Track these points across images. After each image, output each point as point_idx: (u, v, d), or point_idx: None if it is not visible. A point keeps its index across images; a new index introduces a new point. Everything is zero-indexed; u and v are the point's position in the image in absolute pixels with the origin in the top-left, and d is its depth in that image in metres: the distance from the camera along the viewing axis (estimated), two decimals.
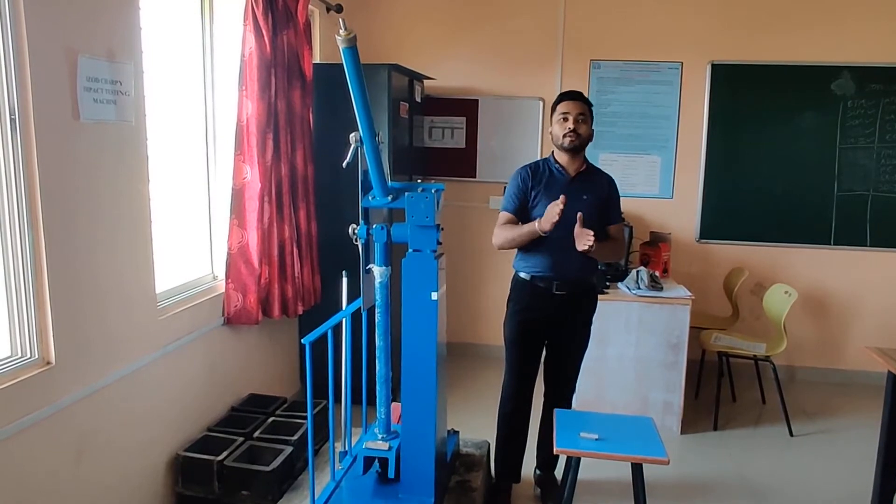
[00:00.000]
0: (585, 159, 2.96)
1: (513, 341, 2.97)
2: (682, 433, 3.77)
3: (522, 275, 2.94)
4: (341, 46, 2.06)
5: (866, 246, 4.50)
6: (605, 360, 3.78)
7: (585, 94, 2.94)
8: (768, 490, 3.24)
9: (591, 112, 2.89)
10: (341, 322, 2.50)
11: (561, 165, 2.91)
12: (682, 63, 4.55)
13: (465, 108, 4.81)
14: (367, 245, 2.53)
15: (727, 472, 3.41)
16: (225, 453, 2.74)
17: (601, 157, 4.71)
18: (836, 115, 4.41)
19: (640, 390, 3.78)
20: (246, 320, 3.24)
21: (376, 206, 2.49)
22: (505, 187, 3.03)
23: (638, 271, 3.89)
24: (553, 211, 2.59)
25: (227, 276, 3.19)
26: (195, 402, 2.98)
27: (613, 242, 2.98)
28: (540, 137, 4.76)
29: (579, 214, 2.62)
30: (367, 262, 2.57)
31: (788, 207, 4.55)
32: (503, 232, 2.89)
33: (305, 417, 3.08)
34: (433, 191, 2.45)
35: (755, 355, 3.96)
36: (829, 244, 4.54)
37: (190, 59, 3.10)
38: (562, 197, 2.58)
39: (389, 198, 2.47)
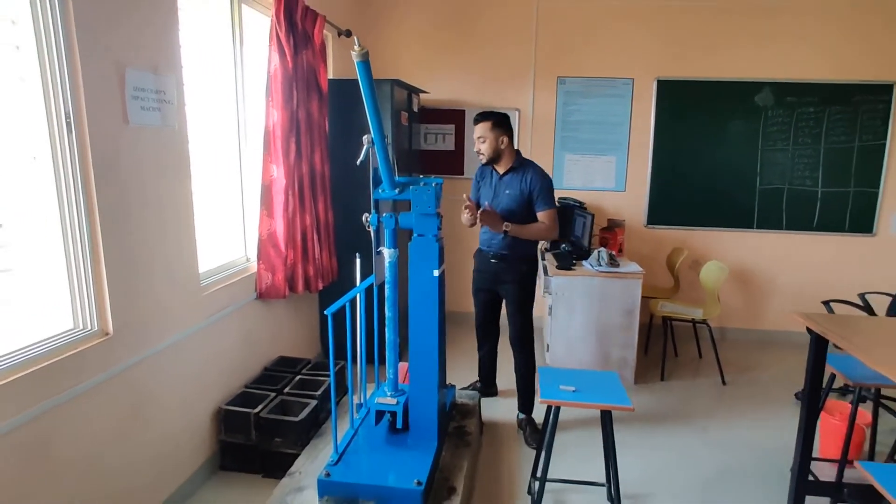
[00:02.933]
0: (515, 158, 2.99)
1: (472, 292, 3.27)
2: (635, 383, 3.70)
3: (479, 246, 3.17)
4: (356, 60, 1.92)
5: (782, 229, 4.44)
6: (573, 326, 3.69)
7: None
8: (708, 426, 3.19)
9: (493, 126, 2.89)
10: (356, 296, 2.37)
11: (495, 168, 3.01)
12: (633, 79, 4.43)
13: (454, 117, 4.66)
14: (377, 231, 2.41)
15: (674, 413, 3.36)
16: (260, 406, 2.62)
17: (567, 157, 4.61)
18: (759, 122, 4.32)
19: (602, 349, 3.71)
20: (275, 295, 3.11)
21: (385, 197, 2.36)
22: None
23: (599, 251, 3.80)
24: (463, 216, 2.89)
25: (259, 258, 3.05)
26: (234, 364, 2.85)
27: (535, 226, 2.95)
28: (517, 142, 4.63)
29: (485, 203, 2.98)
30: (378, 245, 2.45)
31: (720, 198, 4.47)
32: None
33: (328, 376, 2.97)
34: (433, 184, 2.33)
35: (693, 319, 3.89)
36: (753, 228, 4.47)
37: (224, 73, 2.93)
38: (469, 201, 2.91)
39: (397, 190, 2.34)
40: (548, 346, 3.79)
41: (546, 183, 2.95)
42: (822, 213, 4.36)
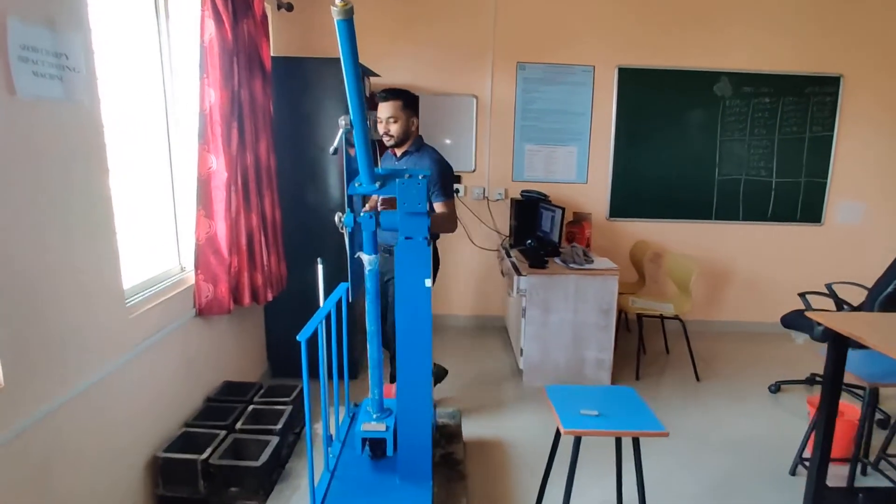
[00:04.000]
0: (415, 141, 2.74)
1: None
2: (610, 384, 3.49)
3: None
4: (337, 18, 1.50)
5: (739, 220, 4.40)
6: (549, 326, 3.42)
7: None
8: (686, 427, 3.01)
9: (405, 106, 2.64)
10: (324, 305, 1.93)
11: (393, 151, 2.79)
12: (594, 67, 4.20)
13: (413, 106, 4.22)
14: (352, 234, 1.98)
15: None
16: (208, 450, 2.11)
17: (528, 147, 4.31)
18: (717, 113, 4.23)
19: (578, 350, 3.46)
20: (217, 310, 2.58)
21: (363, 192, 1.93)
22: None
23: (573, 247, 3.54)
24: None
25: (197, 267, 2.51)
26: (170, 397, 2.31)
27: (434, 216, 2.61)
28: (475, 131, 4.29)
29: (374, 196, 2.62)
30: (353, 250, 2.02)
31: (680, 189, 4.36)
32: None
33: (285, 403, 2.50)
34: (420, 176, 1.93)
35: (661, 314, 3.73)
36: (712, 219, 4.40)
37: (145, 42, 2.36)
38: (374, 198, 2.63)
39: (377, 184, 1.92)
40: (521, 350, 3.49)
41: (445, 171, 2.72)
42: (776, 204, 4.36)
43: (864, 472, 2.62)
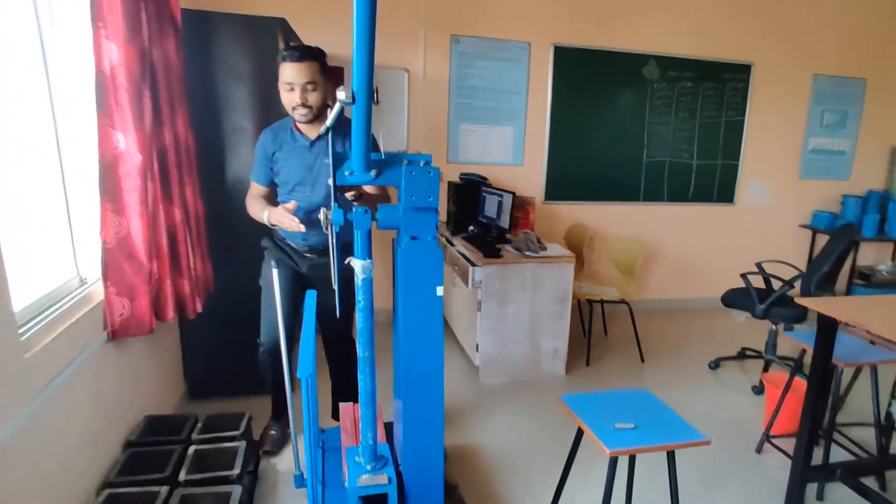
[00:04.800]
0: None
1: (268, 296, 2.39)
2: (565, 374, 3.42)
3: (279, 238, 2.35)
4: None
5: (664, 201, 4.53)
6: (506, 318, 3.24)
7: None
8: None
9: (323, 72, 2.07)
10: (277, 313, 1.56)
11: (300, 131, 2.13)
12: (530, 43, 4.04)
13: (332, 75, 3.75)
14: (340, 233, 1.60)
15: None
16: None
17: (462, 127, 4.06)
18: (646, 95, 4.29)
19: (534, 341, 3.32)
20: (136, 330, 2.04)
21: (355, 183, 1.56)
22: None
23: (526, 234, 3.38)
24: (284, 220, 1.96)
25: (106, 278, 1.95)
26: (84, 453, 1.77)
27: (371, 196, 2.15)
28: (406, 107, 3.94)
29: (292, 203, 1.96)
30: (340, 254, 1.64)
31: (611, 171, 4.38)
32: (251, 204, 2.19)
33: (234, 438, 2.05)
34: (422, 163, 1.60)
35: (602, 298, 3.72)
36: (640, 200, 4.49)
37: None
38: (293, 203, 1.95)
39: (373, 173, 1.55)
40: (477, 345, 3.27)
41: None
42: (696, 185, 4.55)
43: (816, 444, 2.78)
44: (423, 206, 1.55)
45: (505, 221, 3.52)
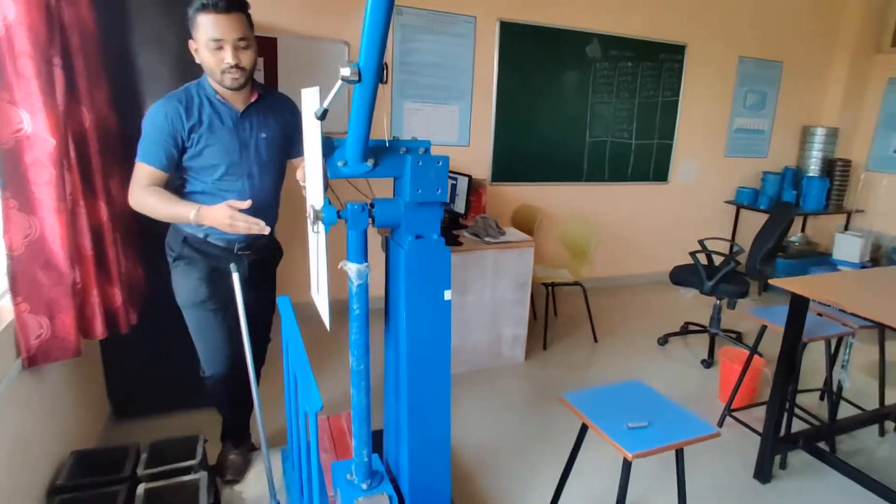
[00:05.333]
0: (255, 83, 1.81)
1: (193, 307, 1.95)
2: (525, 359, 3.37)
3: (202, 235, 1.87)
4: None
5: (605, 181, 4.58)
6: (466, 307, 3.11)
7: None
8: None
9: (252, 27, 1.71)
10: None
11: (223, 97, 1.74)
12: (475, 17, 3.85)
13: (263, 47, 3.36)
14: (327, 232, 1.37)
15: (567, 381, 3.11)
16: None
17: (406, 105, 3.83)
18: (589, 74, 4.26)
19: (495, 328, 3.23)
20: (60, 354, 1.69)
21: (349, 175, 1.34)
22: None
23: (484, 219, 3.24)
24: (239, 222, 1.56)
25: (16, 293, 1.58)
26: None
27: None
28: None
29: (245, 202, 1.60)
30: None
31: (556, 151, 4.34)
32: (147, 196, 1.68)
33: (190, 469, 1.78)
34: (421, 150, 1.41)
35: (556, 281, 3.70)
36: (582, 181, 4.50)
37: None
38: (246, 202, 1.58)
39: (370, 163, 1.33)
40: None
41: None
42: (634, 165, 4.63)
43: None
44: (431, 200, 1.36)
45: (460, 206, 3.37)
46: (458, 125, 4.02)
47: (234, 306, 1.81)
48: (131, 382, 2.43)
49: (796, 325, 2.20)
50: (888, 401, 2.83)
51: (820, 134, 5.04)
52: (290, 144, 1.90)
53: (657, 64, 4.45)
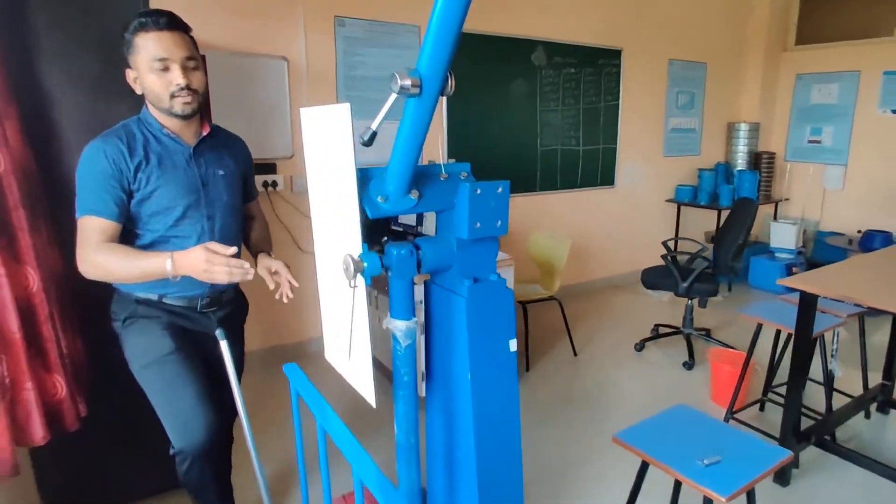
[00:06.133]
0: (204, 115, 1.59)
1: (155, 363, 1.62)
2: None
3: (158, 294, 1.56)
4: None
5: (557, 189, 4.53)
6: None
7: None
8: (585, 411, 2.93)
9: (197, 50, 1.50)
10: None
11: (171, 130, 1.50)
12: (419, 27, 3.66)
13: None
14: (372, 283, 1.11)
15: (555, 403, 2.98)
16: None
17: (357, 123, 3.54)
18: (536, 82, 4.20)
19: None
20: None
21: (392, 213, 1.09)
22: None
23: None
24: (218, 267, 1.28)
25: None
26: None
27: (264, 228, 1.85)
28: (288, 103, 3.31)
29: (231, 249, 1.33)
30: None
31: (510, 162, 4.23)
32: (104, 256, 1.36)
33: None
34: (462, 174, 1.19)
35: (528, 298, 3.57)
36: (536, 190, 4.42)
37: None
38: (231, 248, 1.31)
39: (413, 196, 1.09)
40: (423, 374, 2.86)
41: None
42: (583, 171, 4.62)
43: (762, 409, 2.93)
44: (487, 236, 1.13)
45: (430, 229, 3.14)
46: None
47: (207, 363, 1.50)
48: (67, 471, 1.96)
49: (807, 321, 2.18)
50: (870, 384, 2.93)
51: (743, 129, 5.32)
52: (247, 187, 1.73)
53: (597, 69, 4.48)
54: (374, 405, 1.13)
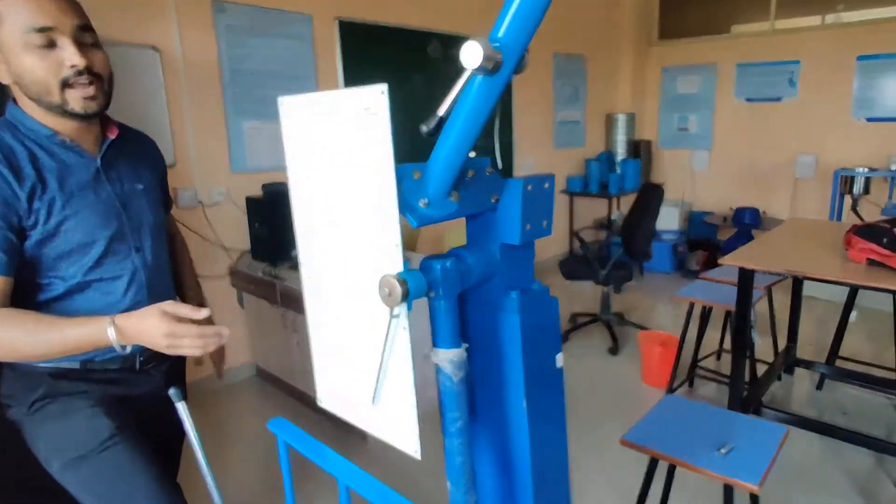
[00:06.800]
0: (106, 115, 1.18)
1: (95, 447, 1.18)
2: None
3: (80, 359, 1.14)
4: None
5: None
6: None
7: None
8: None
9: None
10: None
11: (66, 137, 1.09)
12: (311, 16, 3.33)
13: None
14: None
15: None
16: None
17: (246, 125, 3.14)
18: (434, 76, 4.06)
19: (430, 367, 2.81)
20: None
21: (434, 220, 0.87)
22: None
23: None
24: (168, 338, 0.95)
25: None
26: None
27: (186, 253, 1.52)
28: (165, 101, 2.82)
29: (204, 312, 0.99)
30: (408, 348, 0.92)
31: (410, 158, 4.04)
32: (8, 334, 0.97)
33: None
34: (488, 170, 1.01)
35: None
36: None
37: None
38: (203, 310, 0.98)
39: (454, 198, 0.89)
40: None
41: None
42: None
43: (691, 385, 3.08)
44: (535, 239, 0.95)
45: None
46: None
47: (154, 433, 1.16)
48: None
49: (745, 297, 2.28)
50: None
51: (621, 120, 5.66)
52: (165, 197, 1.36)
53: None
54: (418, 457, 0.91)
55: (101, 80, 1.07)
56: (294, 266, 2.87)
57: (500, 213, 0.92)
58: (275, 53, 3.20)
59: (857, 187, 4.10)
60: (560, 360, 1.03)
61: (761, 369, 2.90)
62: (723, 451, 1.42)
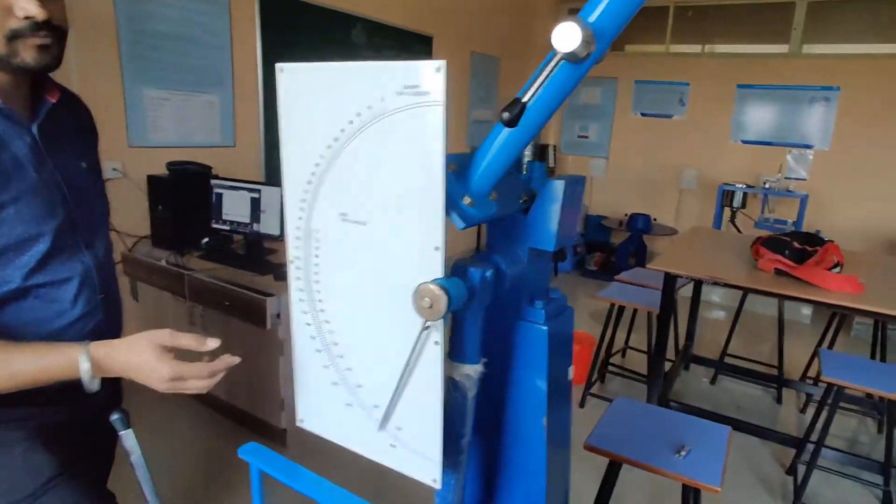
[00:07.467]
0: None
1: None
2: None
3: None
4: None
5: None
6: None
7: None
8: None
9: None
10: None
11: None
12: None
13: None
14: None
15: None
16: None
17: (147, 93, 2.80)
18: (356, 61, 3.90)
19: None
20: None
21: (479, 220, 0.81)
22: None
23: None
24: (169, 381, 0.84)
25: None
26: None
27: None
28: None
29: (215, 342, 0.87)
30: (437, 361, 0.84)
31: None
32: None
33: None
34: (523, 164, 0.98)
35: None
36: None
37: None
38: (214, 340, 0.86)
39: (493, 198, 0.84)
40: (283, 402, 2.42)
41: None
42: None
43: (602, 381, 3.26)
44: (566, 244, 0.92)
45: (273, 225, 2.64)
46: (219, 120, 3.16)
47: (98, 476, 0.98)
48: None
49: (671, 301, 2.45)
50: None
51: None
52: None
53: (413, 55, 4.39)
54: (438, 486, 0.82)
55: (59, 34, 0.87)
56: (206, 255, 2.60)
57: (533, 215, 0.88)
58: (184, 15, 2.87)
59: (737, 201, 4.61)
60: (571, 372, 1.01)
61: (666, 366, 3.14)
62: (682, 452, 1.50)
